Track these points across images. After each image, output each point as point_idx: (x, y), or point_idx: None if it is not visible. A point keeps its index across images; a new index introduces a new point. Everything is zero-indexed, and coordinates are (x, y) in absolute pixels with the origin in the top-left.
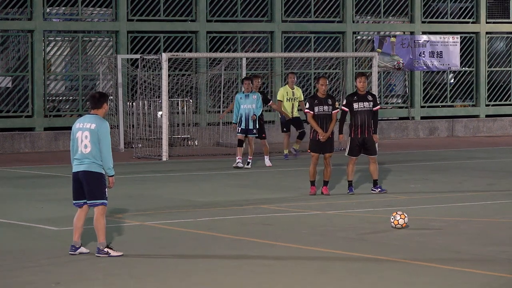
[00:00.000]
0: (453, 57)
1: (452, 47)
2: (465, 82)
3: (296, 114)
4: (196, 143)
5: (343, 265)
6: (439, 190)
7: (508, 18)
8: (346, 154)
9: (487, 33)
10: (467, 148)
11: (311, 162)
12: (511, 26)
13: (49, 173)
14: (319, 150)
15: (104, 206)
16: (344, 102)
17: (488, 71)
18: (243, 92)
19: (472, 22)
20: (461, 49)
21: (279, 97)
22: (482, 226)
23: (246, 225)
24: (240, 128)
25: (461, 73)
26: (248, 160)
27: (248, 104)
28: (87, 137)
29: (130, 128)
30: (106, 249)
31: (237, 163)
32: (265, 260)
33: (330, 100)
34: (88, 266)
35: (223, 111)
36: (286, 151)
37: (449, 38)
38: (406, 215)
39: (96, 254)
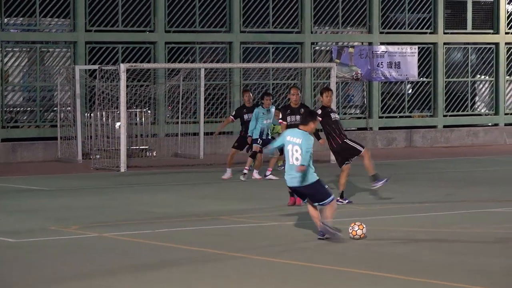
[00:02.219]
0: (411, 67)
1: (410, 57)
2: (423, 92)
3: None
4: (155, 154)
5: (302, 276)
6: (398, 201)
7: (465, 29)
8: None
9: (444, 43)
10: (425, 159)
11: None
12: (468, 36)
13: (7, 185)
14: None
15: (334, 200)
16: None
17: (445, 81)
18: (263, 107)
19: (430, 33)
20: (419, 60)
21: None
22: (441, 236)
23: (206, 236)
24: (261, 140)
25: (419, 83)
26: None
27: (269, 119)
28: (298, 151)
29: (88, 139)
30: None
31: (245, 175)
32: (225, 271)
33: (303, 110)
34: (49, 276)
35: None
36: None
37: (407, 49)
38: (364, 226)
39: (319, 237)
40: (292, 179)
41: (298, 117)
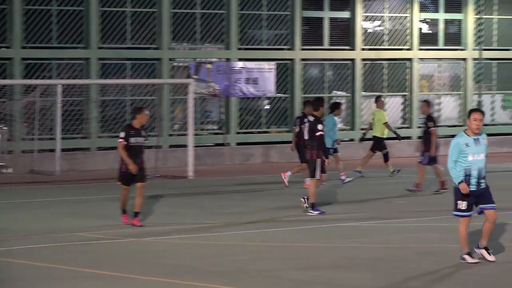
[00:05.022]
0: (269, 83)
1: (267, 73)
2: (281, 108)
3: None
4: (11, 171)
5: None
6: (255, 216)
7: (322, 45)
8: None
9: (302, 59)
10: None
11: (121, 194)
12: (325, 52)
13: None
14: (129, 181)
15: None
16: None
17: (303, 97)
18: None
19: (288, 49)
20: (276, 76)
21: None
22: (296, 251)
23: (63, 253)
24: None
25: (277, 99)
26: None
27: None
28: None
29: None
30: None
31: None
32: None
33: (144, 132)
34: None
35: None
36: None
37: (265, 65)
38: None
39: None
40: None
41: (140, 138)
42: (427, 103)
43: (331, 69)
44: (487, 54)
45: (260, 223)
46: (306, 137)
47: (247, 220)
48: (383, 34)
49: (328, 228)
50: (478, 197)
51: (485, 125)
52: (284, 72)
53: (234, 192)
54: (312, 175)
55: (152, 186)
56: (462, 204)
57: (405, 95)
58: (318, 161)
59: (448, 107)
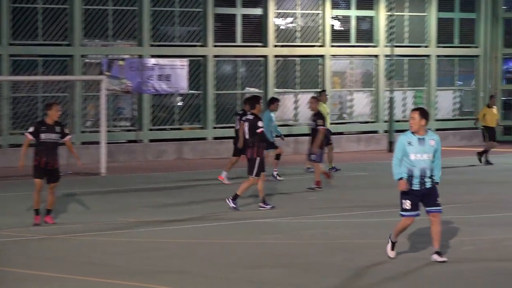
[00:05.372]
0: (181, 80)
1: (180, 70)
2: (193, 105)
3: None
4: None
5: None
6: (169, 213)
7: (234, 42)
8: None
9: (214, 56)
10: (194, 171)
11: (34, 189)
12: (238, 49)
13: None
14: (41, 175)
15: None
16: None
17: (215, 94)
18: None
19: (200, 46)
20: (189, 72)
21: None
22: (211, 248)
23: None
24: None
25: (189, 96)
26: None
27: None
28: None
29: None
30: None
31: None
32: None
33: (58, 128)
34: None
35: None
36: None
37: (177, 62)
38: None
39: None
40: None
41: (53, 135)
42: (315, 99)
43: (243, 66)
44: (398, 51)
45: (174, 221)
46: (246, 136)
47: (160, 217)
48: (295, 31)
49: (243, 225)
50: (423, 197)
51: (397, 121)
52: (197, 68)
53: (147, 189)
54: (250, 173)
55: (64, 183)
56: (406, 204)
57: (317, 91)
58: (258, 159)
59: (360, 104)
